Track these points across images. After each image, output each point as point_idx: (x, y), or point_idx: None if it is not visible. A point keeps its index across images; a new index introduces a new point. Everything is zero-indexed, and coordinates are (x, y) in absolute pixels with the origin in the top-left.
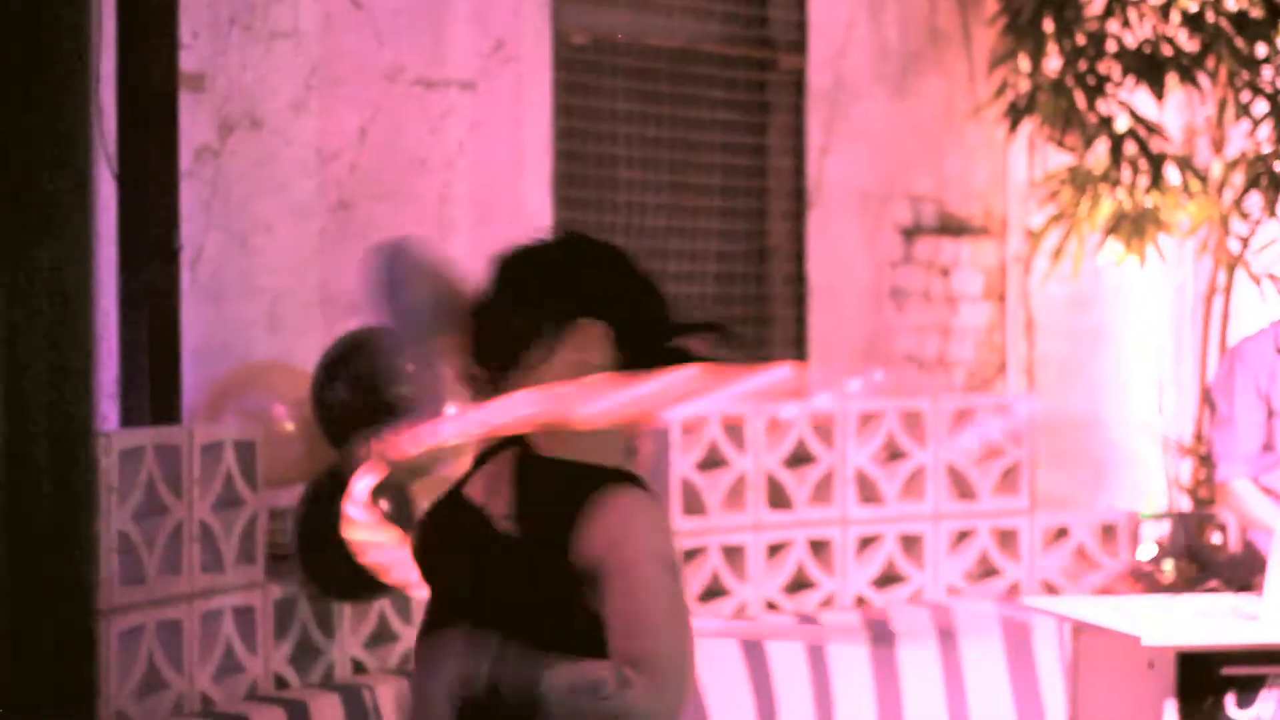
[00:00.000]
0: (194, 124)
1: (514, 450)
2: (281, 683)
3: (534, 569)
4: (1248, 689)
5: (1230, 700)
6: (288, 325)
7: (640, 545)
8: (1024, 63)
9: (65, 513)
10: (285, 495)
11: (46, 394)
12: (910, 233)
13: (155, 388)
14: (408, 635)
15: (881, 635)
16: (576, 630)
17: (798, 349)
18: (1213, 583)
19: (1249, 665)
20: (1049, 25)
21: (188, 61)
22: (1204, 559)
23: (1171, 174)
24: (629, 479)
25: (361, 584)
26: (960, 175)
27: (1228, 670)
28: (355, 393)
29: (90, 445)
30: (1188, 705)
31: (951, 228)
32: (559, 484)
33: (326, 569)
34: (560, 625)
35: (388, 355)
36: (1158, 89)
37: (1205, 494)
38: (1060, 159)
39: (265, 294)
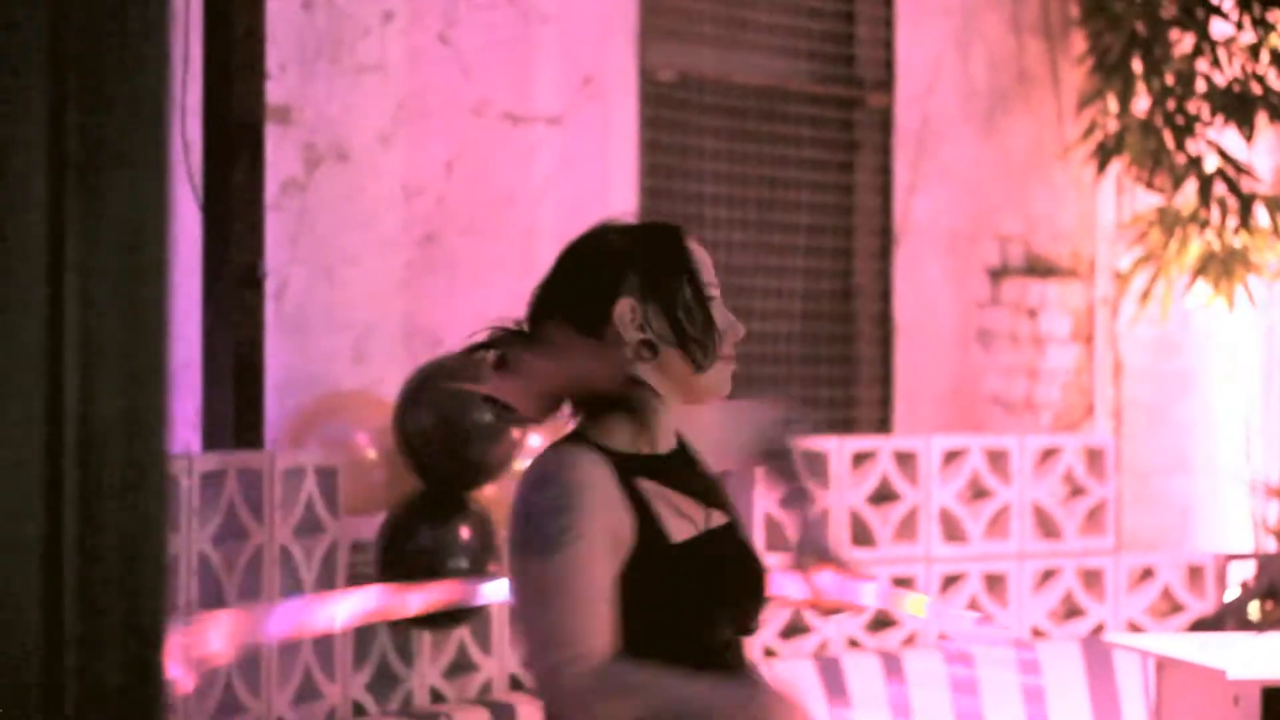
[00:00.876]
0: (281, 156)
1: None
2: (359, 710)
3: None
4: None
5: None
6: (373, 358)
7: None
8: (1112, 103)
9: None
10: (367, 525)
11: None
12: (998, 273)
13: (238, 416)
14: (487, 665)
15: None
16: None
17: (883, 388)
18: None
19: None
20: (1137, 65)
21: (275, 94)
22: None
23: (1261, 215)
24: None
25: (440, 613)
26: (1048, 216)
27: None
28: (437, 420)
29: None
30: None
31: (1039, 269)
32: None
33: None
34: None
35: (468, 383)
36: (1247, 129)
37: None
38: (1149, 200)
39: (351, 326)
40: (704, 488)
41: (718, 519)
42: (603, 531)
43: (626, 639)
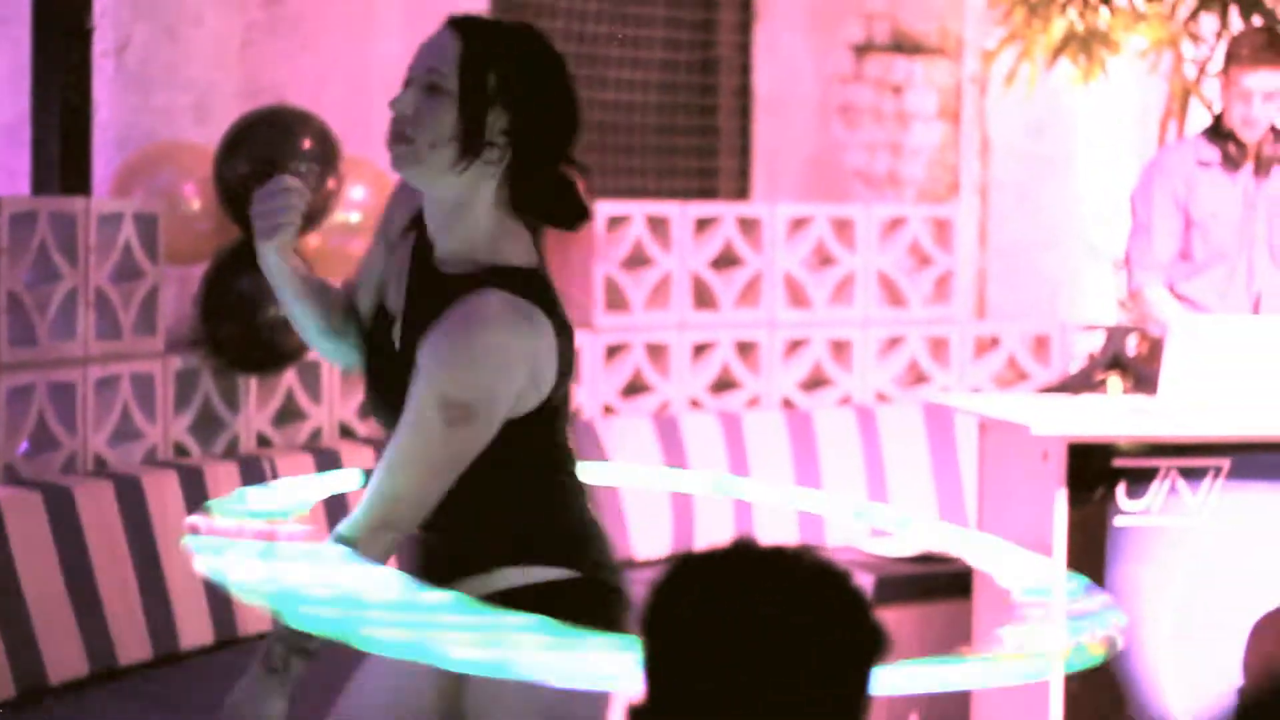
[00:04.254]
0: None
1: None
2: (181, 451)
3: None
4: (1139, 481)
5: (1121, 491)
6: (215, 116)
7: (431, 378)
8: None
9: None
10: (194, 272)
11: None
12: (862, 49)
13: (65, 165)
14: (316, 414)
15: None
16: None
17: (742, 159)
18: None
19: (1140, 458)
20: None
21: None
22: (1135, 372)
23: None
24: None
25: (263, 358)
26: None
27: (1119, 462)
28: (254, 169)
29: None
30: (1078, 496)
31: (906, 46)
32: (442, 290)
33: (229, 342)
34: None
35: (288, 132)
36: None
37: None
38: None
39: (193, 85)
40: None
41: None
42: None
43: None
